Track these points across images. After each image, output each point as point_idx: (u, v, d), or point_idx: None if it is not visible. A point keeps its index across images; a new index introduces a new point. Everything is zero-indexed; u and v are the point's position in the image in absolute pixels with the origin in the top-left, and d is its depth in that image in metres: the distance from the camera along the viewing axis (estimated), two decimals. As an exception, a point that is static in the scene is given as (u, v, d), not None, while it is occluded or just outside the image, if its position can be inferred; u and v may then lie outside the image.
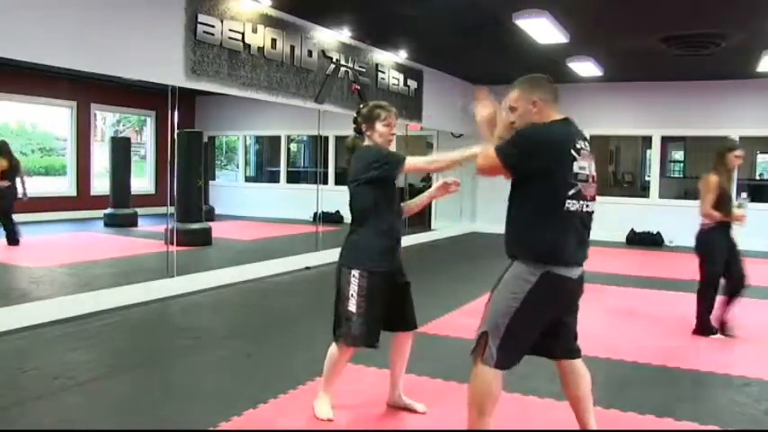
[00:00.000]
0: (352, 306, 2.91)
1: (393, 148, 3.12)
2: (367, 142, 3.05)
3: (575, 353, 2.61)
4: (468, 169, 2.89)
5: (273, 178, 13.42)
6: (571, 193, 2.39)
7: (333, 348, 3.03)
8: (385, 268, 2.95)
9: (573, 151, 2.41)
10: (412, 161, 2.95)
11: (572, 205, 2.40)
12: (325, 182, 11.81)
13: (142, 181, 12.28)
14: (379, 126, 3.01)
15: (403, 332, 3.12)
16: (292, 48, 7.02)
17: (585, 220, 2.48)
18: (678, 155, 14.96)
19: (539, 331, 2.48)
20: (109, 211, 10.60)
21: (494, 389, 2.44)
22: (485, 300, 2.57)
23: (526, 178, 2.42)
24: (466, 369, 2.54)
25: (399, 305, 3.07)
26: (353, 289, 2.91)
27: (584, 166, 2.43)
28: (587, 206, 2.46)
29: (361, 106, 3.11)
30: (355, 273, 2.91)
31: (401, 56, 9.22)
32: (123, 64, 5.32)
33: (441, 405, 3.18)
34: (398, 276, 3.06)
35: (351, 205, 3.02)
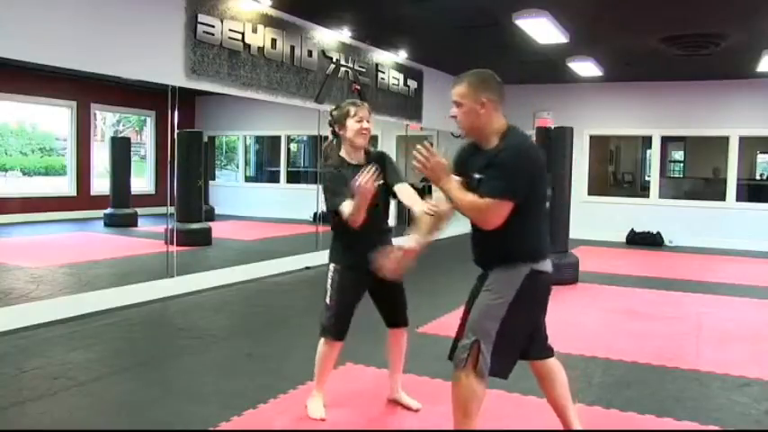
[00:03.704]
0: (327, 298, 3.02)
1: (380, 146, 3.13)
2: (342, 151, 3.03)
3: (547, 352, 2.62)
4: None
5: (273, 178, 13.41)
6: (549, 194, 2.47)
7: (320, 345, 3.06)
8: (360, 265, 2.90)
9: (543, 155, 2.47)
10: (342, 210, 2.86)
11: (548, 204, 2.48)
12: (326, 182, 11.78)
13: (142, 181, 12.26)
14: (350, 122, 2.99)
15: (395, 329, 3.16)
16: (292, 48, 7.02)
17: None
18: (678, 155, 14.97)
19: (528, 332, 2.48)
20: (109, 211, 10.59)
21: (479, 392, 2.42)
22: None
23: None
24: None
25: (388, 303, 3.12)
26: (329, 282, 3.03)
27: None
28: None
29: (332, 108, 3.12)
30: (331, 266, 3.05)
31: (401, 56, 9.22)
32: (123, 64, 5.32)
33: (441, 405, 3.17)
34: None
35: None
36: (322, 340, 3.05)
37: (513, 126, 2.46)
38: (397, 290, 3.12)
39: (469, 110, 2.40)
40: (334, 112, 3.07)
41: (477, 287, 2.49)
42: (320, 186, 3.09)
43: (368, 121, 3.02)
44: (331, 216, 3.03)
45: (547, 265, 2.46)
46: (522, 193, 2.33)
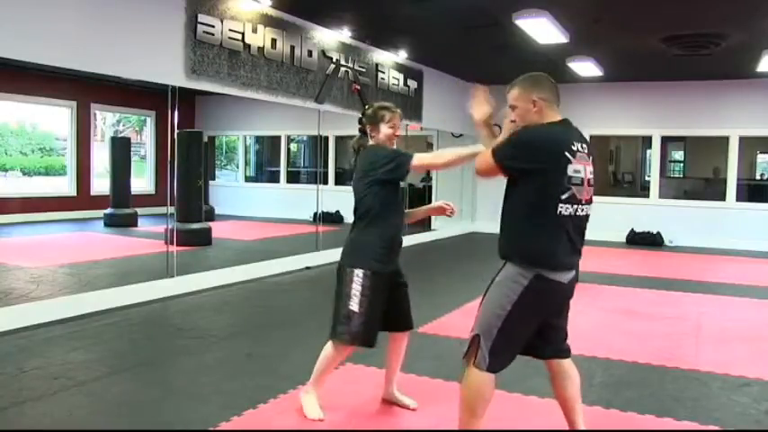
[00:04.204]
0: (354, 305, 2.91)
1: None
2: (371, 143, 3.08)
3: (564, 353, 2.61)
4: (470, 168, 2.87)
5: (273, 178, 13.42)
6: (564, 196, 2.36)
7: (328, 346, 3.04)
8: (388, 269, 2.98)
9: (568, 153, 2.37)
10: (418, 158, 2.96)
11: (565, 209, 2.37)
12: (326, 182, 11.80)
13: (142, 181, 12.28)
14: (383, 128, 3.05)
15: (399, 332, 3.15)
16: (292, 48, 7.02)
17: (579, 223, 2.46)
18: (678, 155, 14.99)
19: (530, 334, 2.47)
20: (109, 211, 10.60)
21: (485, 391, 2.43)
22: (484, 300, 2.56)
23: (521, 179, 2.40)
24: (466, 369, 2.53)
25: (397, 306, 3.09)
26: (356, 288, 2.92)
27: (579, 169, 2.40)
28: (581, 210, 2.43)
29: (366, 107, 3.15)
30: (359, 272, 2.92)
31: (401, 56, 9.22)
32: (123, 64, 5.32)
33: (440, 405, 3.18)
34: (397, 277, 3.09)
35: (357, 204, 3.01)
36: (331, 343, 3.02)
37: (564, 119, 2.50)
38: (405, 291, 3.13)
39: (523, 110, 2.50)
40: (368, 112, 3.11)
41: (494, 276, 2.50)
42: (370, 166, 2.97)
43: (398, 127, 3.11)
44: (368, 209, 2.96)
45: (560, 275, 2.41)
46: (507, 162, 2.40)
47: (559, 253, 2.40)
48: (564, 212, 2.38)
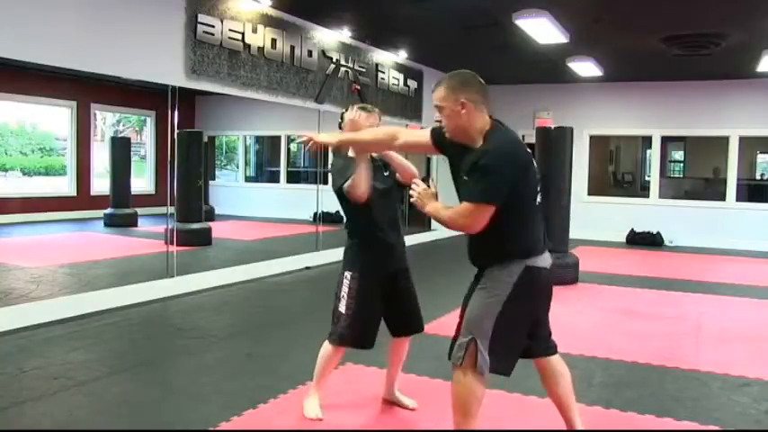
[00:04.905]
0: (342, 307, 2.96)
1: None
2: (350, 151, 3.01)
3: (552, 350, 2.62)
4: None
5: (273, 178, 13.41)
6: (538, 188, 2.44)
7: (325, 345, 3.05)
8: (378, 270, 2.97)
9: (528, 150, 2.42)
10: (348, 185, 2.85)
11: (539, 198, 2.45)
12: (325, 182, 11.76)
13: (142, 181, 12.27)
14: (363, 129, 2.99)
15: (401, 338, 3.14)
16: (292, 48, 7.02)
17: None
18: (678, 155, 14.98)
19: (526, 329, 2.47)
20: (109, 211, 10.59)
21: (478, 392, 2.41)
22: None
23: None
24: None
25: (402, 309, 3.08)
26: (344, 290, 2.97)
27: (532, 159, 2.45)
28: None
29: (345, 110, 3.11)
30: (347, 275, 2.97)
31: (401, 56, 9.22)
32: (123, 64, 5.33)
33: (440, 405, 3.17)
34: (401, 280, 3.07)
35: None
36: (327, 343, 3.03)
37: (497, 124, 2.42)
38: (405, 298, 3.10)
39: (451, 112, 2.39)
40: (345, 114, 3.08)
41: (473, 286, 2.49)
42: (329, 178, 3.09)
43: (376, 126, 3.03)
44: (346, 216, 3.03)
45: (543, 261, 2.44)
46: (503, 196, 2.29)
47: (539, 239, 2.47)
48: (538, 201, 2.46)
